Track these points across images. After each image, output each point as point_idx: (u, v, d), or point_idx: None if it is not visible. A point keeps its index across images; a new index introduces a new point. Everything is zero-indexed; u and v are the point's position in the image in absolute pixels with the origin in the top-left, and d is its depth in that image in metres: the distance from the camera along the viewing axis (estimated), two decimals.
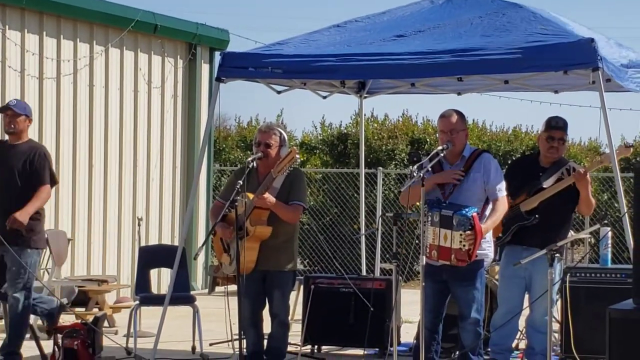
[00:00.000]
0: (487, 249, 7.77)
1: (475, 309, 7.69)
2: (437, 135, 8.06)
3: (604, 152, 8.76)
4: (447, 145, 7.69)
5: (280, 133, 8.08)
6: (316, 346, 9.41)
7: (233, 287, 8.08)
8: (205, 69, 14.63)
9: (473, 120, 18.66)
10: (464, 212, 7.43)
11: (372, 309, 8.74)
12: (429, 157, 7.62)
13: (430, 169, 7.53)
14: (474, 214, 7.45)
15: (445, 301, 7.82)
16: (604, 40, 8.24)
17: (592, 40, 7.75)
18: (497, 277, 9.20)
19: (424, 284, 7.32)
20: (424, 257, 7.35)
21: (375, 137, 16.95)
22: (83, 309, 11.20)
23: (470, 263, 7.51)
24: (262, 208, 7.84)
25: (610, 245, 9.19)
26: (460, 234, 7.38)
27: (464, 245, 7.40)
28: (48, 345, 8.85)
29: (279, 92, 9.69)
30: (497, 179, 7.76)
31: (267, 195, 7.78)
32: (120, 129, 13.32)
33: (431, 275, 7.61)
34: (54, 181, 8.71)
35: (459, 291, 7.73)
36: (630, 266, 6.70)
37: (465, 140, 7.86)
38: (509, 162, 15.46)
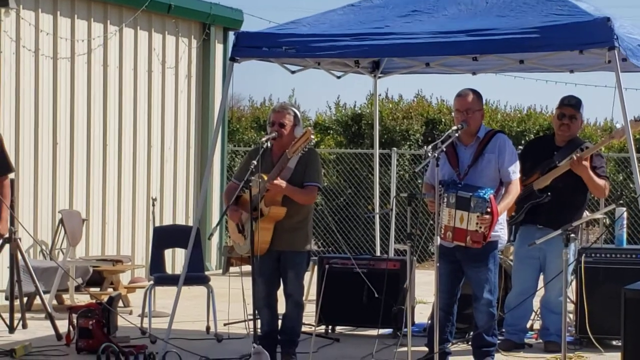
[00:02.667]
0: (500, 230, 7.75)
1: (488, 290, 7.67)
2: (453, 114, 8.03)
3: (616, 129, 8.71)
4: (462, 125, 7.66)
5: (295, 113, 8.05)
6: (330, 326, 9.43)
7: (248, 268, 8.09)
8: (219, 49, 14.61)
9: (486, 101, 18.60)
10: (481, 193, 7.40)
11: (377, 295, 8.74)
12: (443, 137, 7.60)
13: (444, 149, 7.51)
14: (491, 195, 7.42)
15: (459, 282, 7.81)
16: (620, 20, 8.19)
17: (609, 19, 7.71)
18: (511, 257, 9.20)
19: (438, 264, 7.31)
20: (439, 238, 7.34)
21: (390, 118, 16.92)
22: (98, 289, 11.24)
23: (483, 244, 7.50)
24: (276, 193, 7.82)
25: (625, 226, 9.17)
26: (477, 216, 7.36)
27: (480, 227, 7.38)
28: (63, 325, 8.88)
29: (293, 72, 9.66)
30: (512, 161, 7.73)
31: (279, 181, 7.75)
32: (135, 109, 13.32)
33: (445, 256, 7.60)
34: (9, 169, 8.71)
35: (471, 272, 7.72)
36: None
37: (481, 120, 7.83)
38: (522, 142, 15.43)
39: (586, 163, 8.41)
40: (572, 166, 8.38)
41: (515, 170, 7.73)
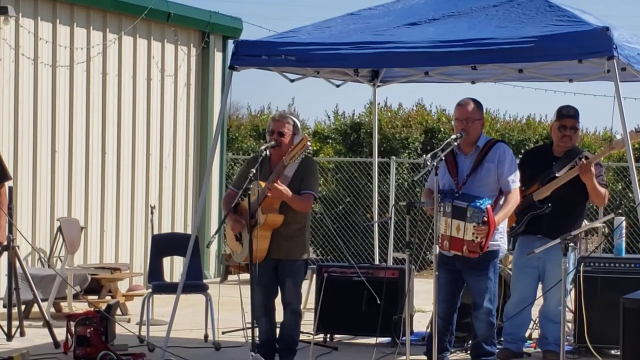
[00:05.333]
0: (500, 239, 7.74)
1: (488, 299, 7.67)
2: (453, 123, 8.03)
3: (616, 139, 8.71)
4: (461, 134, 7.66)
5: (294, 121, 8.05)
6: (329, 335, 9.41)
7: (246, 276, 8.08)
8: (218, 57, 14.62)
9: (486, 110, 18.60)
10: (478, 204, 7.39)
11: (379, 301, 8.72)
12: (442, 145, 7.59)
13: (443, 158, 7.51)
14: (488, 205, 7.40)
15: (459, 291, 7.80)
16: (620, 30, 8.20)
17: (607, 28, 7.71)
18: (510, 266, 9.19)
19: (437, 273, 7.30)
20: (437, 247, 7.33)
21: (389, 126, 16.92)
22: (96, 297, 11.22)
23: (483, 253, 7.49)
24: (274, 198, 7.81)
25: (624, 235, 9.15)
26: (474, 226, 7.34)
27: (476, 237, 7.37)
28: (61, 333, 8.86)
29: (292, 81, 9.66)
30: (511, 170, 7.72)
31: (282, 187, 7.74)
32: (133, 117, 13.32)
33: (445, 265, 7.59)
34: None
35: (471, 281, 7.72)
36: None
37: (481, 130, 7.83)
38: (522, 151, 15.42)
39: (593, 170, 8.40)
40: (581, 172, 8.35)
41: (514, 180, 7.72)
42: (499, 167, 7.69)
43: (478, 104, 7.81)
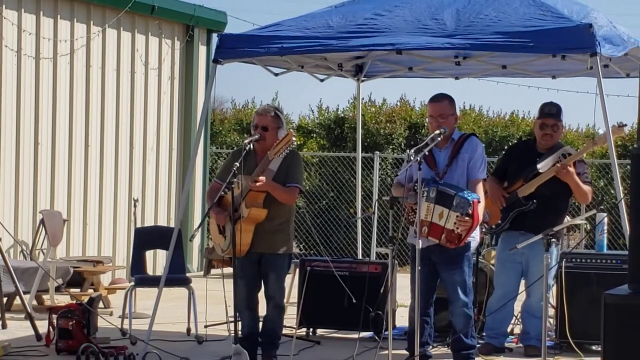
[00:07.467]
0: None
1: (463, 292, 7.67)
2: (427, 119, 8.03)
3: (598, 135, 8.74)
4: (445, 129, 7.68)
5: (278, 115, 8.06)
6: (311, 329, 9.42)
7: (229, 269, 8.07)
8: (202, 50, 14.60)
9: (470, 106, 18.68)
10: (466, 194, 7.40)
11: (354, 301, 8.74)
12: (425, 140, 7.60)
13: (427, 154, 7.51)
14: (475, 200, 7.41)
15: (435, 285, 7.81)
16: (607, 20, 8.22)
17: (591, 25, 7.74)
18: (492, 261, 9.21)
19: (419, 267, 7.30)
20: (420, 242, 7.33)
21: (373, 121, 16.94)
22: (78, 290, 11.20)
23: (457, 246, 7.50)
24: (258, 190, 7.82)
25: (606, 232, 9.19)
26: (457, 216, 7.35)
27: (457, 228, 7.38)
28: (43, 326, 8.85)
29: (276, 75, 9.65)
30: (479, 160, 7.72)
31: (260, 177, 7.75)
32: (117, 110, 13.30)
33: (422, 260, 7.60)
34: None
35: (445, 274, 7.71)
36: (626, 252, 6.72)
37: (454, 124, 7.84)
38: (506, 147, 15.45)
39: (572, 169, 8.43)
40: (559, 174, 8.40)
41: (482, 171, 7.74)
42: (470, 156, 7.70)
43: (451, 100, 7.82)
